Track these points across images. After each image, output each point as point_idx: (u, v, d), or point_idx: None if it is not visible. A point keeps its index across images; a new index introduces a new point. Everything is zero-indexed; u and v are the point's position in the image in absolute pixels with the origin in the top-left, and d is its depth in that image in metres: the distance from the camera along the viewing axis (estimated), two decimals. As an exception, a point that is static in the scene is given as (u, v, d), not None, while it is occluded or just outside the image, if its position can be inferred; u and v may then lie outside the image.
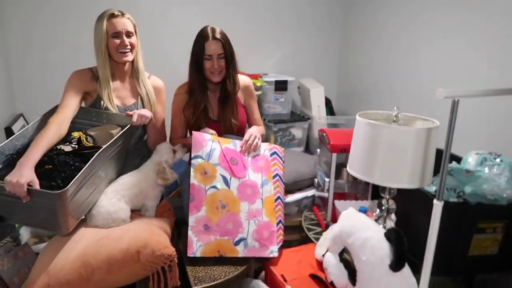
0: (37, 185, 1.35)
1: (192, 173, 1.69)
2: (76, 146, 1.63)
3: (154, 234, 1.53)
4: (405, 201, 1.68)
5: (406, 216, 1.71)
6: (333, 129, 2.14)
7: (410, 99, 2.38)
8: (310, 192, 2.26)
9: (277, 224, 1.75)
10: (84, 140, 1.67)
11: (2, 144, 1.51)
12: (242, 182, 1.73)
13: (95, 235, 1.52)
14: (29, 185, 1.32)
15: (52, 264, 1.40)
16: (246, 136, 1.82)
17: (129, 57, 1.79)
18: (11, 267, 1.49)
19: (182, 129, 1.98)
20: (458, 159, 1.68)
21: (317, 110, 2.83)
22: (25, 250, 1.60)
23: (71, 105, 1.70)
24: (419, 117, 1.59)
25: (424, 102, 2.22)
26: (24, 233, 2.01)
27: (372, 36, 2.82)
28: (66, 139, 1.64)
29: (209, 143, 1.74)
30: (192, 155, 1.71)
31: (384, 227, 1.60)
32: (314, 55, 3.23)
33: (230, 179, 1.72)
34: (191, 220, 1.66)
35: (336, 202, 1.94)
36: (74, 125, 1.71)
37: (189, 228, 1.65)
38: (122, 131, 1.70)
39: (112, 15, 1.73)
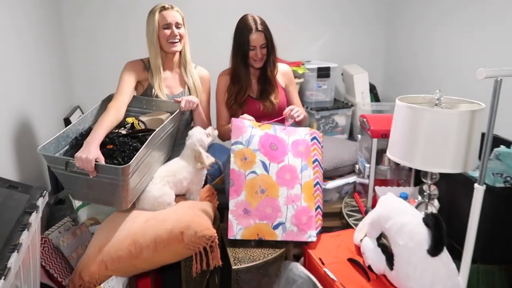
0: (103, 161, 1.49)
1: (232, 159, 1.75)
2: (130, 130, 1.76)
3: (196, 217, 1.61)
4: (448, 187, 1.63)
5: (450, 202, 1.65)
6: (373, 115, 2.10)
7: (460, 84, 2.24)
8: (351, 179, 2.25)
9: (316, 209, 1.77)
10: (137, 125, 1.81)
11: (66, 128, 1.68)
12: (281, 168, 1.76)
13: (143, 216, 1.63)
14: (95, 161, 1.45)
15: (105, 242, 1.53)
16: (291, 106, 1.94)
17: (178, 47, 1.91)
18: (70, 243, 1.64)
19: (227, 112, 2.07)
20: (507, 143, 1.59)
21: (361, 97, 2.76)
22: (82, 229, 1.74)
23: (127, 92, 1.84)
24: (464, 100, 1.53)
25: (477, 86, 2.09)
26: (82, 215, 2.18)
27: (421, 20, 2.68)
28: (121, 124, 1.78)
29: (248, 129, 1.79)
30: (232, 141, 1.77)
31: (426, 213, 1.56)
32: (359, 41, 3.13)
33: (269, 164, 1.75)
34: (231, 204, 1.72)
35: (377, 188, 1.91)
36: (127, 113, 1.84)
37: (229, 211, 1.72)
38: (172, 115, 1.81)
39: (163, 8, 1.87)
